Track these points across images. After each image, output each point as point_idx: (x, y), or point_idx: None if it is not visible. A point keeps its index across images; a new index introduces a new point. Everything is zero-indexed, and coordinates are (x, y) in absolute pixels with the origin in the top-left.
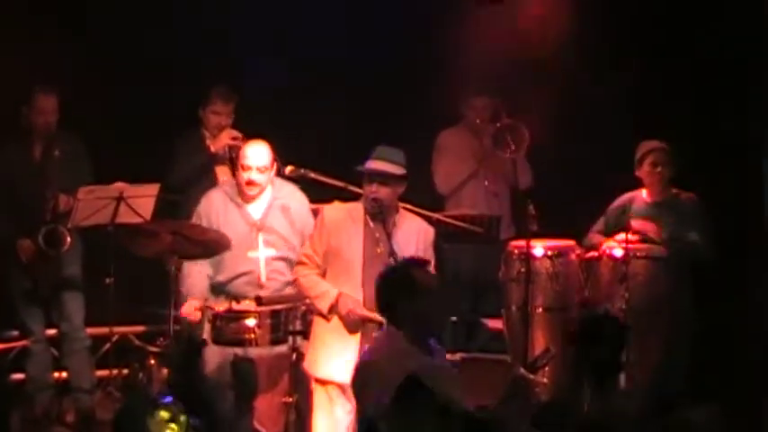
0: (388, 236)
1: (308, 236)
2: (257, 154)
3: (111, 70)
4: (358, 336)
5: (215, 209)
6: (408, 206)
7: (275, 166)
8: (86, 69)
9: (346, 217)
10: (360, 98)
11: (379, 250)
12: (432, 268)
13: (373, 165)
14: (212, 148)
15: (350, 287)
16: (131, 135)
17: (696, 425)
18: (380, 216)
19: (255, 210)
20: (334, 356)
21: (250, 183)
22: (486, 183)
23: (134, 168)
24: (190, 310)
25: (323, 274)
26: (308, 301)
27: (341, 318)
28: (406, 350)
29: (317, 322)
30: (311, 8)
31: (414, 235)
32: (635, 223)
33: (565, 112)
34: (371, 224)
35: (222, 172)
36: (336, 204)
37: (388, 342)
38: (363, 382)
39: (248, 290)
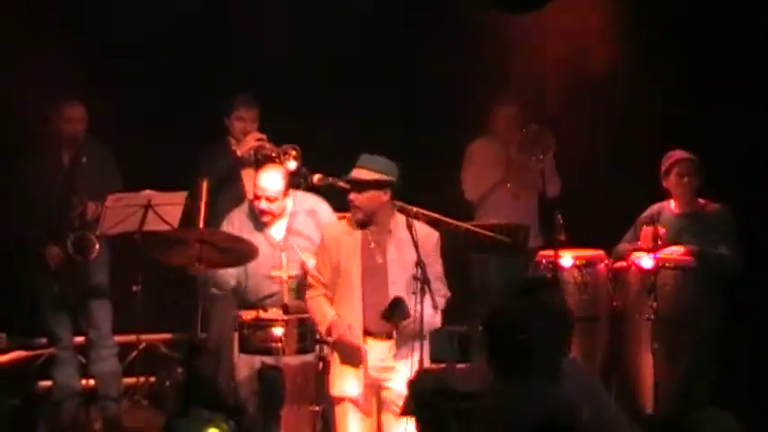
0: (416, 244)
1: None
2: (268, 182)
3: (141, 78)
4: (359, 358)
5: (237, 229)
6: (436, 215)
7: (296, 185)
8: (116, 77)
9: (343, 231)
10: (390, 106)
11: (379, 261)
12: (441, 273)
13: (353, 173)
14: (238, 152)
15: (349, 301)
16: (159, 143)
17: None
18: (365, 225)
19: (277, 230)
20: (345, 373)
21: (261, 212)
22: (509, 185)
23: (162, 176)
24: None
25: (332, 294)
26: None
27: (332, 343)
28: None
29: None
30: (334, 12)
31: (423, 241)
32: (663, 252)
33: (594, 121)
34: (368, 235)
35: (248, 176)
36: (334, 222)
37: None
38: None
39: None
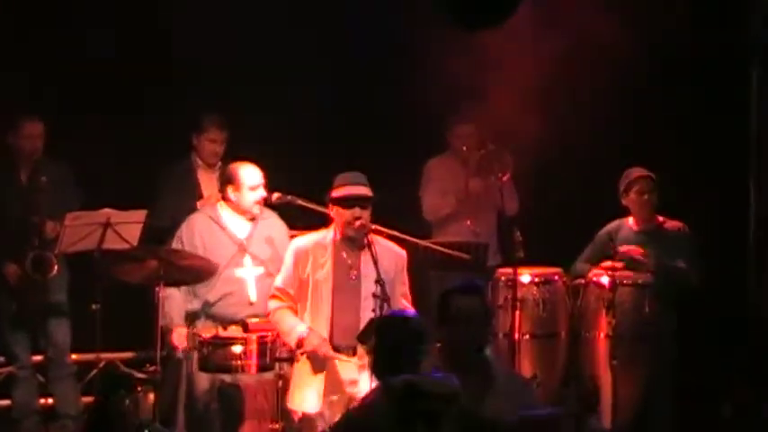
0: (375, 261)
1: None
2: (258, 172)
3: (97, 95)
4: (323, 371)
5: (198, 232)
6: (395, 233)
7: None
8: (72, 94)
9: (315, 246)
10: (347, 123)
11: (353, 276)
12: (407, 292)
13: (354, 190)
14: (199, 206)
15: (318, 315)
16: (118, 161)
17: None
18: (364, 240)
19: (240, 230)
20: (304, 387)
21: (261, 201)
22: (469, 222)
23: (120, 194)
24: (180, 338)
25: (296, 307)
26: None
27: (307, 355)
28: None
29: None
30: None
31: (389, 258)
32: (622, 248)
33: (550, 138)
34: (342, 252)
35: (207, 180)
36: (303, 235)
37: None
38: None
39: (237, 310)
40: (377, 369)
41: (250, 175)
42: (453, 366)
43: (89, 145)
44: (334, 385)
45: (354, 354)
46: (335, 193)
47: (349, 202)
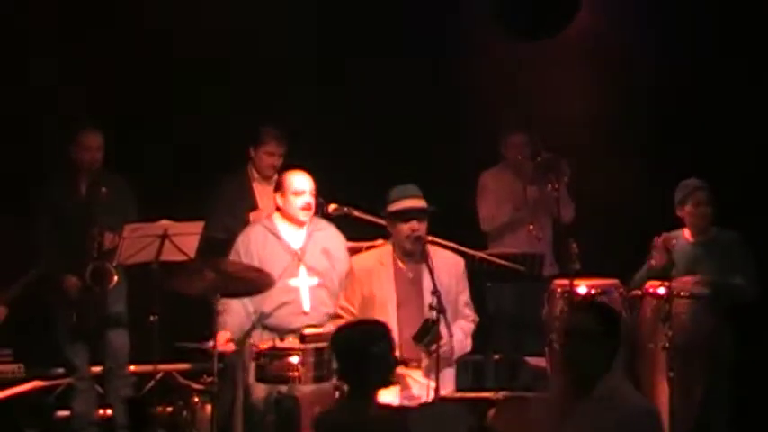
0: (431, 272)
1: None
2: (306, 179)
3: (157, 108)
4: (396, 385)
5: (254, 242)
6: (452, 244)
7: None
8: (132, 106)
9: (375, 263)
10: (402, 134)
11: (414, 289)
12: (468, 299)
13: (410, 203)
14: (251, 218)
15: None
16: (177, 172)
17: None
18: (423, 253)
19: (295, 240)
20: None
21: (307, 207)
22: (531, 227)
23: (179, 206)
24: (221, 341)
25: None
26: None
27: None
28: None
29: None
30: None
31: (447, 268)
32: (675, 283)
33: (607, 148)
34: (401, 265)
35: (263, 193)
36: (364, 253)
37: None
38: None
39: (292, 320)
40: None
41: (295, 180)
42: (573, 387)
43: (146, 156)
44: (406, 398)
45: (420, 366)
46: (392, 208)
47: (406, 216)
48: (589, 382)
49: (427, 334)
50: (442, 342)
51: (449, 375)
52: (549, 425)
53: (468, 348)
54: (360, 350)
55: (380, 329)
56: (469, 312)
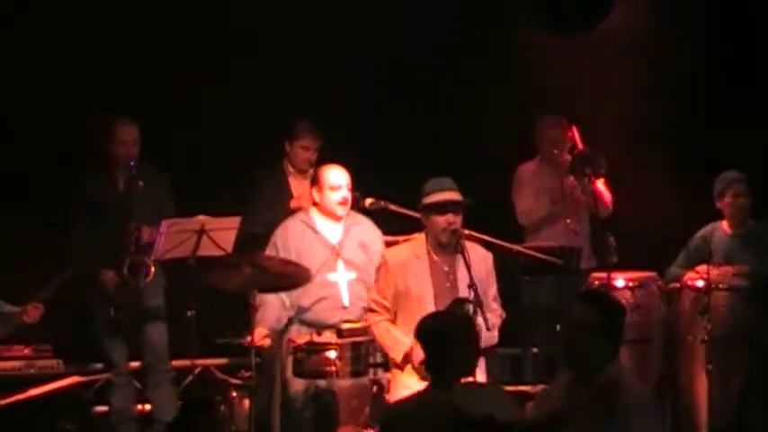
0: (468, 265)
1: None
2: (342, 173)
3: (192, 101)
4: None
5: (291, 237)
6: (488, 237)
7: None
8: (166, 100)
9: (410, 256)
10: (435, 128)
11: (449, 282)
12: (496, 294)
13: (445, 196)
14: (291, 205)
15: None
16: (212, 167)
17: None
18: (458, 246)
19: (332, 235)
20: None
21: (344, 201)
22: (568, 221)
23: (215, 200)
24: (259, 337)
25: (393, 318)
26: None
27: (414, 368)
28: None
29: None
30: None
31: (480, 262)
32: (714, 275)
33: (645, 141)
34: (436, 258)
35: (299, 186)
36: (396, 246)
37: None
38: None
39: (330, 314)
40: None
41: (331, 175)
42: (576, 377)
43: (182, 149)
44: None
45: None
46: (427, 200)
47: (441, 209)
48: (590, 373)
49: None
50: None
51: (479, 367)
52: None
53: (495, 341)
54: (442, 338)
55: (464, 319)
56: (497, 306)
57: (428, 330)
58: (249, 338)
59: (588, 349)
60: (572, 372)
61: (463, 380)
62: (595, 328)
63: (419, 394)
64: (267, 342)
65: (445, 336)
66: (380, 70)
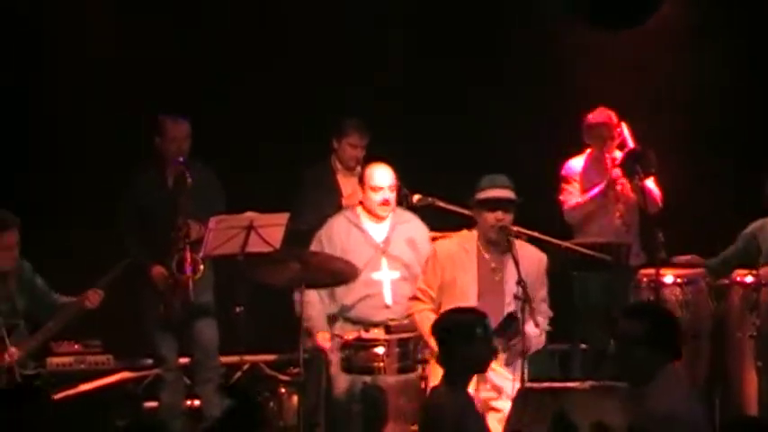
0: (516, 263)
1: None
2: (386, 174)
3: (239, 97)
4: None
5: (337, 234)
6: (537, 234)
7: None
8: (219, 95)
9: (459, 249)
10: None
11: (496, 279)
12: (546, 295)
13: (497, 193)
14: (344, 203)
15: None
16: (260, 163)
17: None
18: (507, 244)
19: (378, 233)
20: None
21: (385, 203)
22: (618, 213)
23: (263, 197)
24: (323, 341)
25: (437, 309)
26: None
27: None
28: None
29: None
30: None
31: (531, 262)
32: (763, 271)
33: (695, 137)
34: (485, 254)
35: (347, 184)
36: (447, 238)
37: None
38: None
39: (374, 313)
40: None
41: (374, 175)
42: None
43: (234, 147)
44: (485, 389)
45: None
46: (479, 196)
47: (492, 205)
48: (640, 383)
49: (509, 328)
50: (516, 341)
51: (516, 366)
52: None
53: (542, 344)
54: (455, 335)
55: (482, 317)
56: (545, 309)
57: (442, 326)
58: (311, 344)
59: (633, 361)
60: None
61: (475, 377)
62: (639, 340)
63: (434, 389)
64: (329, 345)
65: (458, 333)
66: (430, 69)
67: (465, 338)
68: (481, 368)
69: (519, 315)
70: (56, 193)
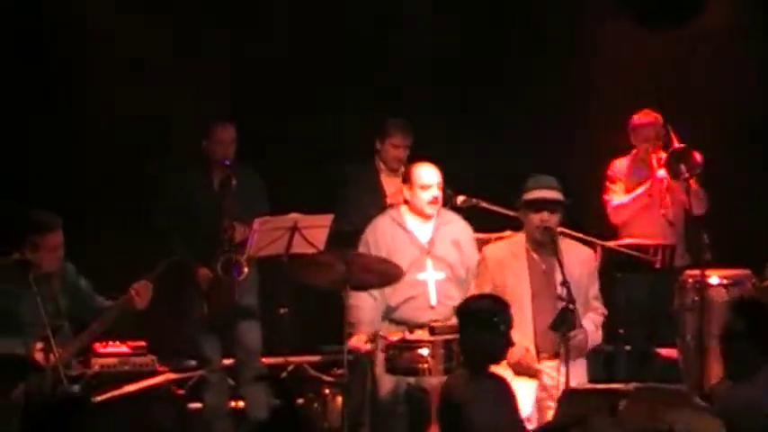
0: (561, 264)
1: (471, 271)
2: (433, 172)
3: (284, 101)
4: (531, 377)
5: (382, 234)
6: (581, 235)
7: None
8: (260, 100)
9: (508, 253)
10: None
11: (546, 282)
12: (598, 292)
13: (543, 194)
14: (388, 200)
15: (520, 322)
16: (304, 164)
17: None
18: (552, 245)
19: (423, 234)
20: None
21: (434, 201)
22: (663, 211)
23: (307, 198)
24: (359, 342)
25: None
26: None
27: (509, 364)
28: None
29: None
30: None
31: (579, 261)
32: None
33: (740, 138)
34: (535, 256)
35: (391, 184)
36: (495, 243)
37: None
38: None
39: (418, 314)
40: None
41: (422, 173)
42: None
43: (275, 148)
44: (541, 389)
45: (556, 357)
46: (525, 196)
47: (538, 206)
48: (743, 379)
49: (564, 322)
50: (576, 332)
51: (580, 368)
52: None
53: (599, 341)
54: (479, 322)
55: (502, 306)
56: (598, 305)
57: (461, 311)
58: (349, 346)
59: (736, 355)
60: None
61: (493, 367)
62: (741, 334)
63: (452, 374)
64: (366, 348)
65: (476, 320)
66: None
67: (483, 326)
68: (497, 357)
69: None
70: (89, 194)
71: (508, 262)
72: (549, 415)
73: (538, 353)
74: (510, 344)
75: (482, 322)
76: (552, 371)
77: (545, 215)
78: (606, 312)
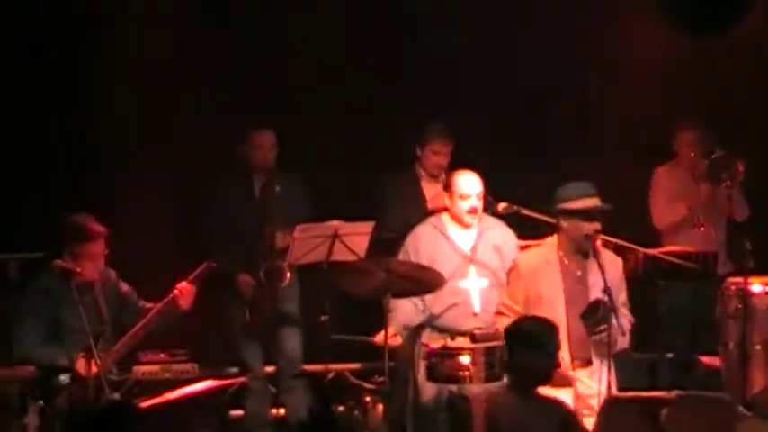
0: (603, 271)
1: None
2: (474, 181)
3: (330, 109)
4: (567, 385)
5: (423, 243)
6: (623, 242)
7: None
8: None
9: (541, 261)
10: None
11: (580, 288)
12: (626, 299)
13: (593, 202)
14: (429, 206)
15: None
16: (346, 172)
17: None
18: (593, 251)
19: (465, 241)
20: None
21: (473, 210)
22: (702, 228)
23: (349, 205)
24: (380, 338)
25: None
26: None
27: None
28: None
29: None
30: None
31: (611, 267)
32: None
33: None
34: (568, 263)
35: (431, 190)
36: (527, 251)
37: None
38: None
39: (461, 321)
40: None
41: (462, 183)
42: None
43: (317, 155)
44: (576, 398)
45: (590, 364)
46: (570, 205)
47: (588, 215)
48: None
49: (595, 313)
50: (606, 326)
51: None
52: None
53: (626, 345)
54: (529, 343)
55: (553, 327)
56: (626, 311)
57: (511, 333)
58: (379, 338)
59: None
60: None
61: (540, 387)
62: None
63: (497, 392)
64: (397, 340)
65: (527, 342)
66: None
67: (533, 348)
68: (545, 379)
69: (606, 300)
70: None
71: (542, 269)
72: (584, 424)
73: (572, 360)
74: (557, 366)
75: (532, 344)
76: (587, 379)
77: (597, 224)
78: (633, 320)
